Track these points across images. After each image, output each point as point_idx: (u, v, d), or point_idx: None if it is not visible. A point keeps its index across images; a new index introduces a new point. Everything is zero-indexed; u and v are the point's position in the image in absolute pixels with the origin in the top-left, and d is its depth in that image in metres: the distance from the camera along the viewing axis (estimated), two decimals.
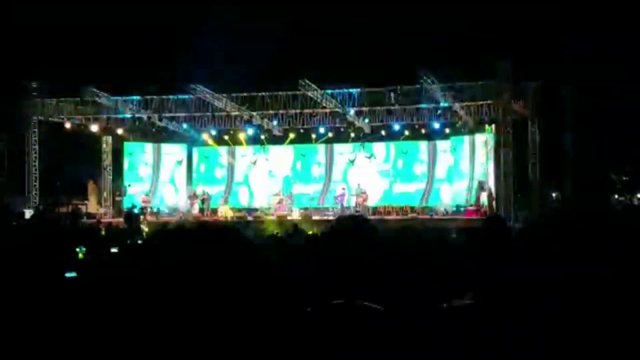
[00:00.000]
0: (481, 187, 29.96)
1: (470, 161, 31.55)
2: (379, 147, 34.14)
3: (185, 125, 33.39)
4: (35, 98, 32.25)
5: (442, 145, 33.08)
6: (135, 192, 33.53)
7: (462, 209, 30.87)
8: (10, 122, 33.47)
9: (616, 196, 32.35)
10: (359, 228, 3.47)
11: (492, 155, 29.68)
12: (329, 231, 3.52)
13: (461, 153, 32.16)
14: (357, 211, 29.84)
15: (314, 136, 33.53)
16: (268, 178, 35.28)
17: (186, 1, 35.27)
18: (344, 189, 33.03)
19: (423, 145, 33.55)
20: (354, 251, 3.29)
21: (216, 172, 36.06)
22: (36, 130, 32.66)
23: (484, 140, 30.27)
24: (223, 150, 35.76)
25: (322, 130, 32.66)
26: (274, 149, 35.20)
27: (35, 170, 32.62)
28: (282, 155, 35.16)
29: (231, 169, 35.98)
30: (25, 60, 33.02)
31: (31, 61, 33.07)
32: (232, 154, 35.85)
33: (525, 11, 31.46)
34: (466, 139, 31.69)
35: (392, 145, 33.85)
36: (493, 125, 29.60)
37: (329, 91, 30.30)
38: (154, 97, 31.81)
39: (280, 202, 32.49)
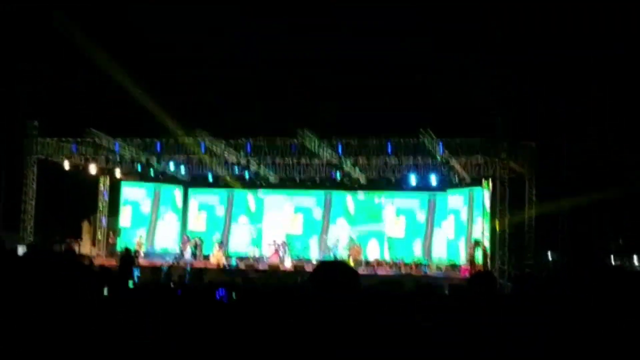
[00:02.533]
0: (476, 244, 29.89)
1: (465, 217, 31.53)
2: (375, 198, 34.12)
3: (182, 168, 33.43)
4: (36, 137, 32.35)
5: (438, 199, 33.09)
6: (129, 235, 33.44)
7: (456, 265, 30.76)
8: (10, 159, 33.55)
9: (612, 258, 32.20)
10: (339, 273, 3.47)
11: (487, 211, 29.69)
12: (310, 276, 3.51)
13: (456, 208, 32.15)
14: (348, 262, 29.69)
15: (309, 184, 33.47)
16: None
17: (186, 46, 35.43)
18: (337, 240, 32.95)
19: (418, 199, 33.54)
20: (333, 297, 3.28)
21: (211, 217, 35.93)
22: (34, 168, 32.68)
23: (481, 197, 30.27)
24: (219, 194, 35.69)
25: (317, 180, 32.64)
26: (270, 196, 35.19)
27: (32, 208, 32.57)
28: (278, 203, 35.11)
29: (228, 214, 35.88)
30: (26, 99, 33.19)
31: (32, 100, 33.24)
32: (229, 199, 35.79)
33: (526, 70, 31.72)
34: (462, 194, 31.71)
35: (388, 196, 33.85)
36: (490, 182, 29.65)
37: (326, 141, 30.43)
38: (154, 139, 31.92)
39: (276, 250, 32.34)
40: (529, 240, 30.22)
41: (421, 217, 33.34)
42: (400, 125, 29.97)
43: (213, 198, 35.93)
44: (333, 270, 3.51)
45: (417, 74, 33.88)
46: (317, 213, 34.52)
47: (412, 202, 33.69)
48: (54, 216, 33.12)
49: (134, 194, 35.14)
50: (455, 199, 32.21)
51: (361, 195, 34.09)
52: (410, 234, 33.61)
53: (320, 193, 34.52)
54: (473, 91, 32.17)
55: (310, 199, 34.74)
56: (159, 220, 35.44)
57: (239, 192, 35.44)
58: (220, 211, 35.95)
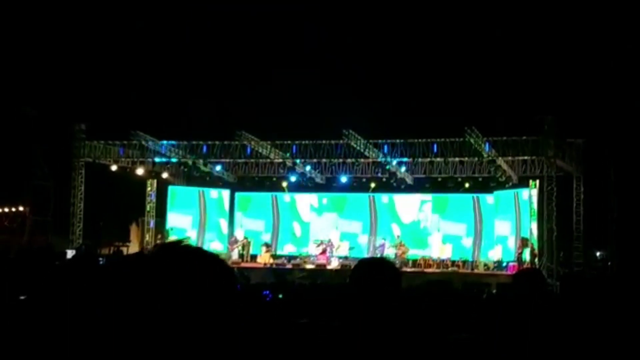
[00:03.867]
0: (524, 242, 29.67)
1: (513, 217, 31.29)
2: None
3: (229, 171, 33.66)
4: (84, 140, 32.78)
5: (485, 199, 32.87)
6: (176, 236, 33.71)
7: (504, 264, 30.55)
8: (58, 163, 33.98)
9: None
10: (380, 271, 3.44)
11: (535, 211, 29.44)
12: (350, 273, 3.48)
13: (504, 208, 31.92)
14: (396, 262, 29.66)
15: (355, 185, 33.33)
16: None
17: (234, 53, 35.62)
18: (384, 239, 32.89)
19: (466, 198, 33.32)
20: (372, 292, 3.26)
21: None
22: (82, 171, 33.08)
23: (528, 196, 30.01)
24: (266, 196, 35.81)
25: (364, 180, 32.61)
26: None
27: (80, 211, 33.01)
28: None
29: (276, 215, 36.00)
30: (74, 103, 33.60)
31: (80, 104, 33.64)
32: (275, 200, 35.91)
33: (574, 68, 31.38)
34: (509, 193, 31.46)
35: (435, 197, 33.74)
36: (537, 181, 29.41)
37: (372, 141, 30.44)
38: (200, 142, 32.17)
39: (323, 251, 32.40)
40: (577, 239, 29.89)
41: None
42: (446, 124, 29.86)
43: (260, 199, 36.03)
44: (374, 268, 3.48)
45: (463, 73, 33.68)
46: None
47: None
48: (102, 219, 33.48)
49: (181, 196, 35.38)
50: (502, 198, 31.97)
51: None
52: (456, 231, 33.45)
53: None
54: (520, 89, 31.88)
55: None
56: (207, 222, 35.63)
57: (281, 195, 35.54)
58: (267, 212, 36.02)
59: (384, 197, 34.39)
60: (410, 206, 34.20)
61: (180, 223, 34.71)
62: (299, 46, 34.62)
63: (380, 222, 34.04)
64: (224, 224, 35.72)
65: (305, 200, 35.58)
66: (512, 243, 30.93)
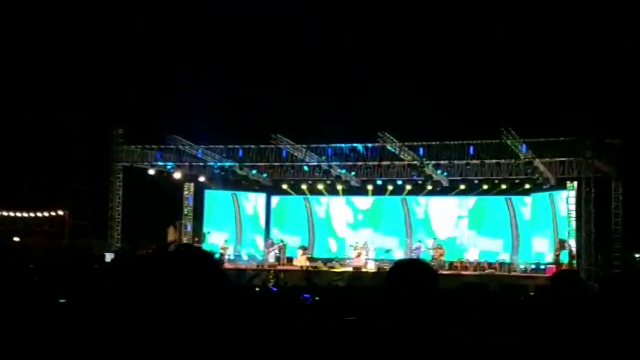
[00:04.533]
0: (562, 245, 29.45)
1: (551, 218, 31.09)
2: (456, 201, 33.92)
3: (265, 175, 33.78)
4: (121, 144, 33.11)
5: (523, 201, 32.69)
6: (214, 240, 33.85)
7: (542, 266, 30.33)
8: (97, 167, 34.31)
9: None
10: (417, 270, 3.43)
11: (573, 213, 29.21)
12: (387, 274, 3.47)
13: (542, 210, 31.74)
14: (432, 265, 29.50)
15: (390, 188, 33.24)
16: (350, 229, 35.36)
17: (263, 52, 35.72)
18: (420, 241, 32.82)
19: (503, 200, 33.14)
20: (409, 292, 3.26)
21: (295, 221, 36.16)
22: (120, 175, 33.38)
23: (566, 198, 29.79)
24: (302, 199, 35.89)
25: (399, 182, 32.52)
26: (354, 200, 35.29)
27: (118, 214, 33.32)
28: (363, 206, 35.24)
29: (312, 218, 36.09)
30: (112, 107, 33.91)
31: (118, 109, 33.94)
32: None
33: (610, 67, 31.09)
34: (547, 195, 31.26)
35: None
36: (575, 183, 29.19)
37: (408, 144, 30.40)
38: (236, 146, 32.33)
39: (359, 254, 32.38)
40: (616, 241, 29.60)
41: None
42: (483, 126, 29.72)
43: (296, 203, 36.14)
44: (410, 269, 3.47)
45: (498, 74, 33.47)
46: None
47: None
48: (140, 223, 33.72)
49: (218, 200, 35.60)
50: (540, 200, 31.78)
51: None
52: (495, 233, 33.33)
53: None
54: (556, 89, 31.63)
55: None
56: (244, 226, 35.79)
57: (317, 199, 35.65)
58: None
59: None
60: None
61: (218, 229, 34.92)
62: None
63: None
64: (259, 241, 35.85)
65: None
66: (548, 244, 30.73)
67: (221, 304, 1.92)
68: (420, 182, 32.17)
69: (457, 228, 34.02)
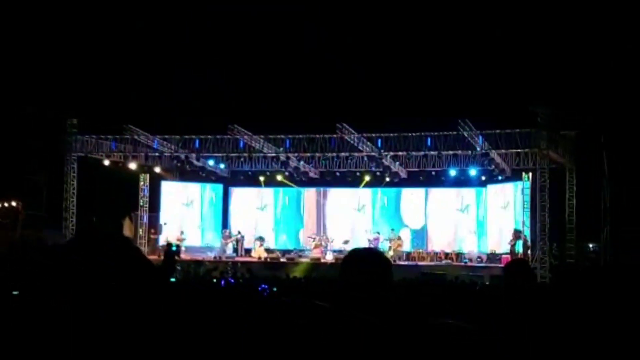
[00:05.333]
0: (517, 235, 29.78)
1: (506, 209, 31.42)
2: (415, 192, 34.11)
3: (222, 166, 33.63)
4: (76, 135, 32.77)
5: (479, 192, 32.99)
6: (170, 231, 33.66)
7: (497, 256, 30.66)
8: (51, 158, 33.91)
9: None
10: (370, 258, 3.43)
11: (528, 203, 29.54)
12: (341, 263, 3.47)
13: (497, 200, 32.07)
14: (390, 255, 29.74)
15: (349, 179, 33.29)
16: (308, 220, 35.38)
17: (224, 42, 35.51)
18: (378, 232, 32.96)
19: (458, 191, 33.42)
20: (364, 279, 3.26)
21: (252, 213, 36.08)
22: (75, 166, 33.05)
23: (521, 188, 30.11)
24: (260, 190, 35.81)
25: (358, 174, 32.60)
26: (312, 191, 35.31)
27: (73, 206, 32.97)
28: (321, 197, 35.30)
29: (270, 209, 36.04)
30: (66, 97, 33.47)
31: (72, 98, 33.52)
32: (267, 195, 35.97)
33: (564, 59, 31.40)
34: (502, 186, 31.58)
35: (428, 190, 33.87)
36: (530, 174, 29.51)
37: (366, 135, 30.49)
38: (192, 136, 32.16)
39: (317, 246, 32.46)
40: (570, 231, 30.00)
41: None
42: (440, 118, 29.86)
43: (253, 194, 36.06)
44: (364, 258, 3.47)
45: (455, 67, 33.64)
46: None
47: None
48: (95, 214, 33.42)
49: (174, 191, 35.41)
50: (496, 191, 32.11)
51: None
52: (449, 224, 33.68)
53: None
54: (513, 82, 31.87)
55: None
56: (200, 217, 35.66)
57: (277, 189, 35.65)
58: (260, 206, 36.06)
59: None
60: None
61: (174, 220, 34.69)
62: (299, 46, 34.47)
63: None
64: (217, 232, 35.71)
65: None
66: (506, 236, 31.03)
67: (140, 289, 1.89)
68: (378, 173, 32.28)
69: (419, 219, 34.23)
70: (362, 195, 34.81)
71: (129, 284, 1.87)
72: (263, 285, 13.56)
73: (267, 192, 35.92)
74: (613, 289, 4.23)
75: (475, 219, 33.25)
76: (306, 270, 27.39)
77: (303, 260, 31.46)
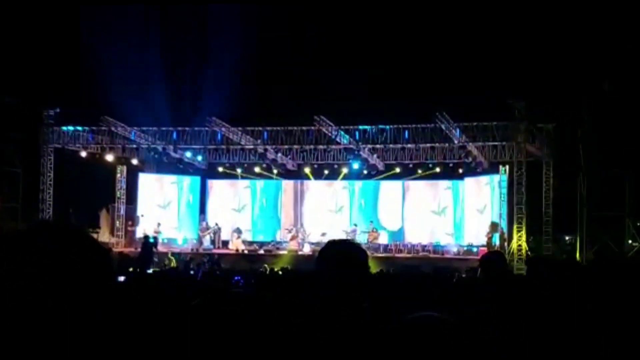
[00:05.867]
0: (493, 228, 29.91)
1: (483, 201, 31.55)
2: (392, 185, 34.17)
3: (200, 157, 33.52)
4: (52, 126, 32.55)
5: (456, 185, 33.11)
6: (147, 223, 33.51)
7: (474, 249, 30.79)
8: (27, 149, 33.65)
9: (630, 241, 32.02)
10: (349, 250, 3.44)
11: (505, 196, 29.67)
12: (318, 254, 3.47)
13: (474, 193, 32.19)
14: (367, 248, 29.79)
15: (326, 172, 33.31)
16: (286, 212, 35.36)
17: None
18: (356, 225, 33.02)
19: (436, 184, 33.53)
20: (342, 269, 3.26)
21: (230, 205, 35.99)
22: (52, 157, 32.84)
23: (498, 181, 30.24)
24: (238, 182, 35.74)
25: (335, 166, 32.60)
26: (291, 183, 35.30)
27: (50, 197, 32.77)
28: (300, 189, 35.29)
29: (248, 201, 35.98)
30: (43, 88, 33.22)
31: (49, 89, 33.27)
32: (247, 187, 35.92)
33: (543, 53, 31.53)
34: (480, 179, 31.71)
35: (405, 184, 33.93)
36: (507, 166, 29.63)
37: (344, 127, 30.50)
38: (170, 128, 32.04)
39: (294, 237, 32.49)
40: (547, 224, 30.17)
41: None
42: (417, 110, 29.89)
43: (231, 185, 36.00)
44: (341, 249, 3.47)
45: (432, 59, 33.68)
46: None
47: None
48: (72, 205, 33.20)
49: (151, 183, 35.24)
50: (473, 184, 32.23)
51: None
52: (427, 216, 33.80)
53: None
54: (490, 74, 31.97)
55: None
56: (178, 209, 35.55)
57: (254, 182, 35.61)
58: (238, 199, 36.01)
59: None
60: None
61: (152, 212, 34.51)
62: (277, 38, 34.33)
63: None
64: (194, 224, 35.58)
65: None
66: (480, 227, 31.17)
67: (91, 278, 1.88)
68: (356, 166, 32.30)
69: (396, 220, 34.31)
70: (339, 196, 34.83)
71: (79, 276, 1.85)
72: (237, 277, 13.57)
73: (245, 193, 35.83)
74: (588, 281, 4.26)
75: (452, 220, 33.41)
76: (289, 262, 27.40)
77: (281, 252, 31.46)
